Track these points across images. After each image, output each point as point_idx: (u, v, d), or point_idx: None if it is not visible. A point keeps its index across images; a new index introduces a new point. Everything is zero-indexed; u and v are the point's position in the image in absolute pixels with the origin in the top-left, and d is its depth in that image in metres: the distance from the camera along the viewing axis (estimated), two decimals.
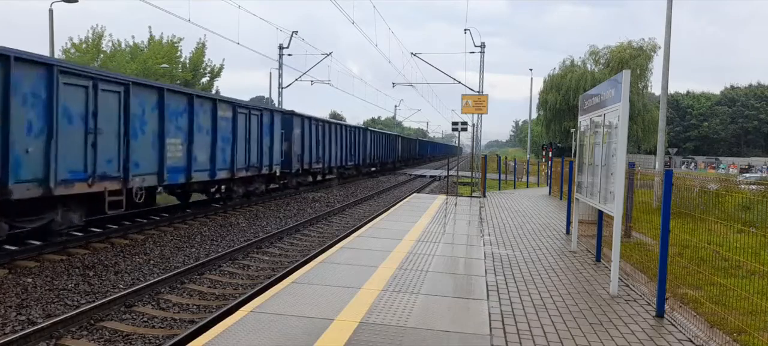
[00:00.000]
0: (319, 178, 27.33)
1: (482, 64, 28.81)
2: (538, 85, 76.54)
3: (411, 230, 10.81)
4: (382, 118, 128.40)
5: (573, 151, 28.24)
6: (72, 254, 9.64)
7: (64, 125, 9.57)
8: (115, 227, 11.76)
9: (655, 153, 25.13)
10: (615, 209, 6.58)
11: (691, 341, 5.14)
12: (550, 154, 29.71)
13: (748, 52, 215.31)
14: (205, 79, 39.86)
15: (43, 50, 25.12)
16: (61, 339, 5.93)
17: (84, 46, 34.42)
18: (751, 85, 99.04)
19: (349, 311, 5.42)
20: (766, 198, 6.89)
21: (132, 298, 7.29)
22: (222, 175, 15.23)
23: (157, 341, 6.05)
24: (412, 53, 31.45)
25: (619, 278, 6.97)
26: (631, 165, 9.83)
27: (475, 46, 29.22)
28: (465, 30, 28.32)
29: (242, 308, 5.41)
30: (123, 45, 36.46)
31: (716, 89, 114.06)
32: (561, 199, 18.99)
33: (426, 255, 8.36)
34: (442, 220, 12.49)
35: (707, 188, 7.70)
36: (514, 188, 26.74)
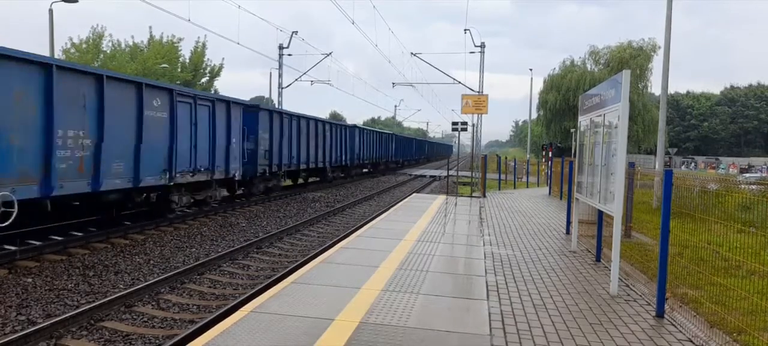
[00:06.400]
0: (300, 180, 24.57)
1: (482, 64, 28.81)
2: (538, 85, 76.54)
3: (411, 230, 10.81)
4: (382, 118, 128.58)
5: (573, 151, 28.24)
6: (72, 254, 9.64)
7: None
8: (114, 227, 11.76)
9: (655, 153, 25.12)
10: (615, 209, 6.59)
11: (691, 341, 5.14)
12: (550, 154, 29.71)
13: (748, 52, 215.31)
14: (204, 79, 39.91)
15: (43, 51, 25.16)
16: (61, 339, 5.94)
17: (84, 46, 34.46)
18: (751, 85, 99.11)
19: (349, 311, 5.42)
20: (766, 198, 6.89)
21: (132, 298, 7.29)
22: (151, 181, 12.03)
23: (157, 341, 6.06)
24: (412, 53, 31.49)
25: (619, 278, 6.97)
26: (631, 165, 9.82)
27: (475, 46, 29.23)
28: (465, 30, 28.31)
29: (242, 308, 5.41)
30: (123, 45, 36.51)
31: (716, 89, 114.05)
32: (561, 199, 18.98)
33: (426, 255, 8.37)
34: (442, 220, 12.49)
35: (707, 188, 7.69)
36: (514, 188, 26.74)
